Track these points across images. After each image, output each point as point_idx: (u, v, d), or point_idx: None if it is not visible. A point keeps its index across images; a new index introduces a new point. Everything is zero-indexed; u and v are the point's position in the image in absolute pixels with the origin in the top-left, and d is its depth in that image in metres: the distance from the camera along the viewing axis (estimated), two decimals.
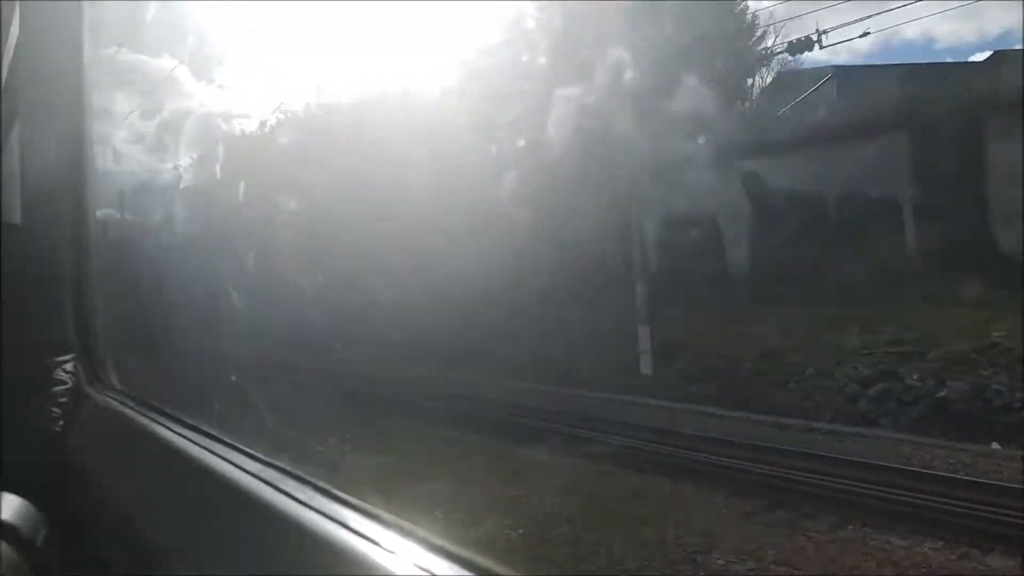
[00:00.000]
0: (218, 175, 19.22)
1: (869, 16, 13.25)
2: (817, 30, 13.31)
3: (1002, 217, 9.13)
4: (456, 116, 15.64)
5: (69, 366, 2.66)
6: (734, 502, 7.05)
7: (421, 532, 1.13)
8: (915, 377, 9.70)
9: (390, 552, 1.09)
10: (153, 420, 2.11)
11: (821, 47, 13.52)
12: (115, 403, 2.50)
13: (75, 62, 2.80)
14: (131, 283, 11.61)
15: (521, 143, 14.42)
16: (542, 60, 12.96)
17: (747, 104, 12.64)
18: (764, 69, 16.34)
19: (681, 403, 10.77)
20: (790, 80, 16.25)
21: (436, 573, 1.02)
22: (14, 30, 2.64)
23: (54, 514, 1.51)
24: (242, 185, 19.58)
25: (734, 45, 11.25)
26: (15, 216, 2.81)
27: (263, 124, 20.99)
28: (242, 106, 21.16)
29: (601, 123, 11.49)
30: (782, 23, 14.80)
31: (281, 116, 21.13)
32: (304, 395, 11.98)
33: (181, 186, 16.42)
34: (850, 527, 6.35)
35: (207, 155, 18.96)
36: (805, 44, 13.60)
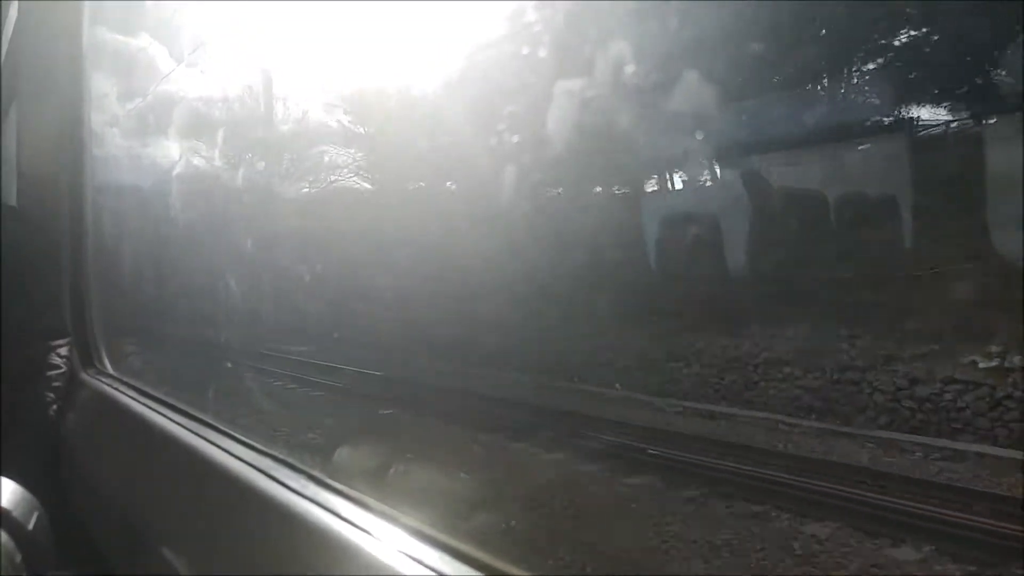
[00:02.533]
0: (216, 161, 19.16)
1: None
2: None
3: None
4: (457, 108, 15.67)
5: (64, 351, 2.66)
6: None
7: (411, 521, 1.13)
8: None
9: (381, 541, 1.10)
10: (147, 406, 2.11)
11: None
12: (109, 388, 2.50)
13: (74, 45, 2.78)
14: (128, 269, 11.62)
15: (521, 136, 14.43)
16: (543, 54, 12.93)
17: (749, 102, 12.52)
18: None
19: None
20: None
21: (425, 562, 1.03)
22: (13, 12, 2.63)
23: (47, 499, 1.51)
24: (240, 172, 19.52)
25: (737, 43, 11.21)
26: (12, 197, 2.81)
27: (256, 110, 20.90)
28: (224, 91, 20.88)
29: (602, 118, 11.51)
30: None
31: (272, 103, 21.07)
32: (297, 382, 12.01)
33: (175, 172, 16.36)
34: None
35: (202, 140, 18.89)
36: None
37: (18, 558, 1.31)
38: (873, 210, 10.47)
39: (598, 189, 15.03)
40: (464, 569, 1.02)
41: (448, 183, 17.00)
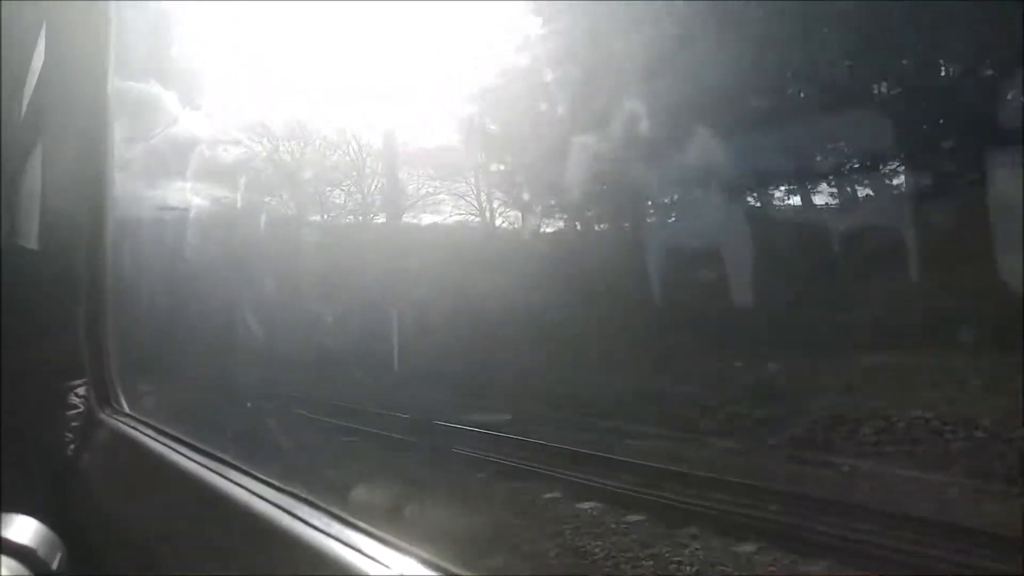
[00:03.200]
0: (237, 203, 19.40)
1: None
2: None
3: None
4: (474, 159, 16.10)
5: (81, 390, 2.66)
6: None
7: (438, 560, 1.11)
8: None
9: None
10: (165, 445, 2.10)
11: None
12: (126, 428, 2.49)
13: (100, 86, 2.82)
14: (147, 307, 11.66)
15: (539, 185, 14.76)
16: (560, 109, 13.35)
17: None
18: None
19: None
20: None
21: None
22: (40, 51, 2.67)
23: (69, 538, 1.49)
24: (263, 215, 19.79)
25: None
26: (32, 236, 2.82)
27: (276, 153, 21.25)
28: (229, 133, 21.34)
29: (615, 167, 11.77)
30: None
31: (289, 147, 21.48)
32: (320, 423, 11.94)
33: (193, 213, 16.54)
34: None
35: (220, 181, 19.16)
36: None
37: None
38: None
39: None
40: None
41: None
